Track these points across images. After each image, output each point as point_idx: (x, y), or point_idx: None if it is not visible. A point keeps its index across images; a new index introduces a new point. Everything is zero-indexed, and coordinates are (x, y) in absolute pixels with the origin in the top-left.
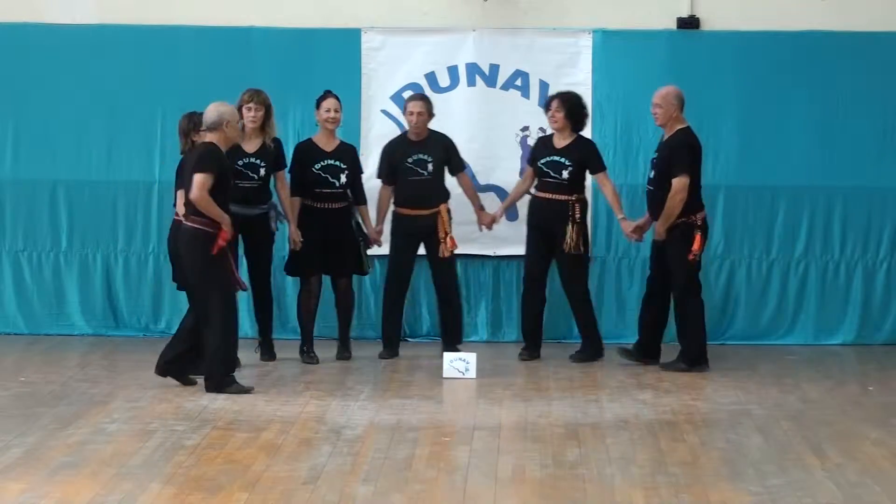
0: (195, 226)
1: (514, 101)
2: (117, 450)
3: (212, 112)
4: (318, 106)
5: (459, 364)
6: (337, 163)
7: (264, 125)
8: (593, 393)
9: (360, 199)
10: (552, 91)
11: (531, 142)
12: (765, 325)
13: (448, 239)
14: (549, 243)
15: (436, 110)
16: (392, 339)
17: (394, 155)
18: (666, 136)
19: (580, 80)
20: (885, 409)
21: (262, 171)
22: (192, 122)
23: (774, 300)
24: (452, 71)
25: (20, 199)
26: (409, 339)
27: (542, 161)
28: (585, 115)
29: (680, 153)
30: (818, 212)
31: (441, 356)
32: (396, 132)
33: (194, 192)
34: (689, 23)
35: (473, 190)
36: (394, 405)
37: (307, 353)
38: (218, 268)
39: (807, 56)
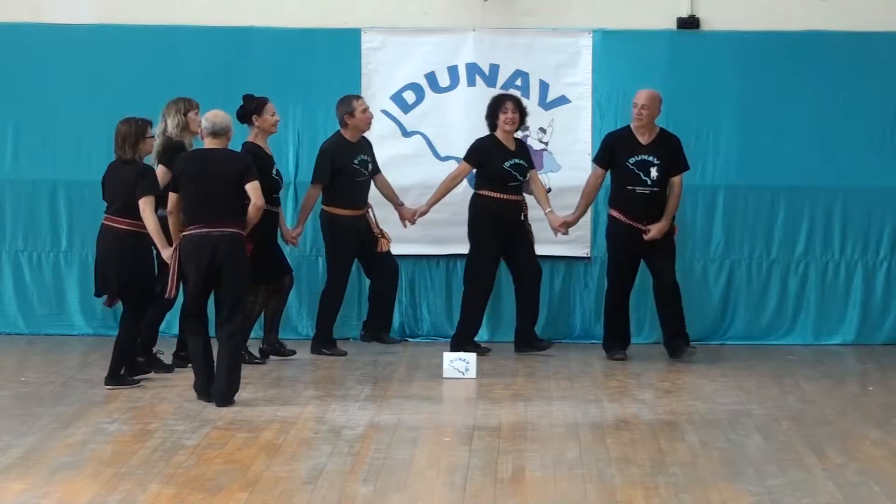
0: (240, 231)
1: None
2: (117, 450)
3: (221, 118)
4: (260, 111)
5: (459, 364)
6: (278, 167)
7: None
8: (593, 393)
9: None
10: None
11: (531, 142)
12: (765, 325)
13: (384, 234)
14: (502, 243)
15: (436, 110)
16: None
17: (340, 157)
18: (648, 139)
19: (580, 80)
20: (885, 409)
21: None
22: (141, 129)
23: (774, 300)
24: (452, 71)
25: (20, 199)
26: (409, 339)
27: (509, 164)
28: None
29: (681, 152)
30: (818, 212)
31: (441, 356)
32: (397, 132)
33: (261, 200)
34: (689, 23)
35: (391, 188)
36: (394, 405)
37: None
38: None
39: (807, 56)
